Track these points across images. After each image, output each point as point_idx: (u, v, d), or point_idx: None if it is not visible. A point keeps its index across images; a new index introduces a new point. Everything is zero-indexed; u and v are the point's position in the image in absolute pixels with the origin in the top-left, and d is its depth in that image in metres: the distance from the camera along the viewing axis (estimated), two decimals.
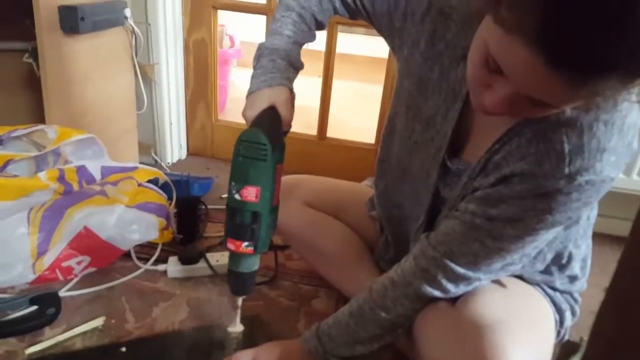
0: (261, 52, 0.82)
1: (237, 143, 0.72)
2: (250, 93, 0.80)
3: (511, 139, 0.67)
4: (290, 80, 0.82)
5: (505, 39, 0.52)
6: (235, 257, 0.79)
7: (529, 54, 0.50)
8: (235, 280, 0.82)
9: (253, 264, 0.81)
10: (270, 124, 0.76)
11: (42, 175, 1.16)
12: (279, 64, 0.80)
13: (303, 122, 1.84)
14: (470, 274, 0.73)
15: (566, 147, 0.61)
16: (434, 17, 0.73)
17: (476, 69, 0.59)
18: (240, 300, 0.89)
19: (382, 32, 0.84)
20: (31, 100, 1.36)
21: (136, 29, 1.50)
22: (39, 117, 1.29)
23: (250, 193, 0.73)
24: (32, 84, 1.32)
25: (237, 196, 0.73)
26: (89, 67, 1.37)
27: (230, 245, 0.76)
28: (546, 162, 0.63)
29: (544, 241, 0.73)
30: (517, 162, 0.66)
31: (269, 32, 0.85)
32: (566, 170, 0.61)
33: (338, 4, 0.86)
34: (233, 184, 0.73)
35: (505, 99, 0.58)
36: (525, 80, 0.53)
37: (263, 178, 0.73)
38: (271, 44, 0.82)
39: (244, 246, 0.76)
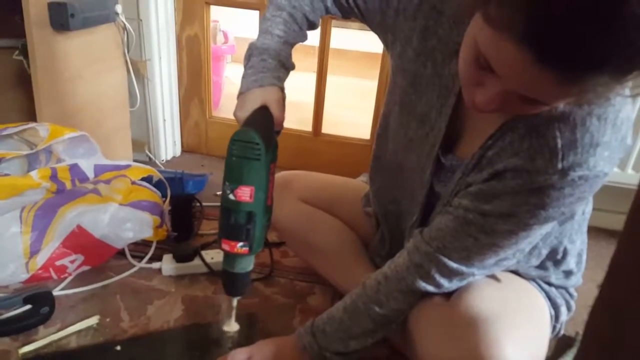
0: (251, 52, 0.81)
1: (230, 143, 0.71)
2: (241, 93, 0.79)
3: (504, 135, 0.67)
4: (281, 79, 0.81)
5: (494, 38, 0.52)
6: (229, 257, 0.79)
7: (518, 53, 0.49)
8: (230, 281, 0.81)
9: (248, 264, 0.80)
10: (263, 124, 0.75)
11: (34, 174, 1.15)
12: (270, 63, 0.79)
13: (298, 118, 1.83)
14: (463, 269, 0.73)
15: (559, 142, 0.61)
16: (425, 12, 0.73)
17: (467, 66, 0.59)
18: (235, 301, 0.89)
19: (375, 30, 0.83)
20: (22, 98, 1.35)
21: (128, 25, 1.49)
22: (30, 115, 1.28)
23: (245, 193, 0.72)
24: (23, 81, 1.31)
25: (231, 196, 0.72)
26: (80, 64, 1.36)
27: (225, 246, 0.75)
28: (539, 157, 0.62)
29: (538, 236, 0.73)
30: (510, 158, 0.66)
31: (260, 31, 0.84)
32: (559, 166, 0.61)
33: (330, 3, 0.85)
34: (227, 184, 0.73)
35: (496, 96, 0.57)
36: (515, 78, 0.53)
37: (257, 178, 0.73)
38: (261, 44, 0.81)
39: (239, 246, 0.75)
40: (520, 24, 0.48)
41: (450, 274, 0.73)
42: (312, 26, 0.88)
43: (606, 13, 0.44)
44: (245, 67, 0.81)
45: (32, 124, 1.22)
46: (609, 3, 0.44)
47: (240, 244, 0.75)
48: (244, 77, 0.80)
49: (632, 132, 0.63)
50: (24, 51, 1.25)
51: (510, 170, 0.66)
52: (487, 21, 0.52)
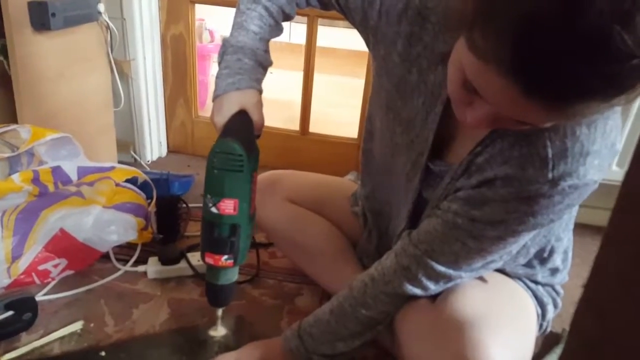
0: (225, 49, 0.78)
1: (210, 155, 0.69)
2: (217, 96, 0.76)
3: (494, 142, 0.66)
4: (259, 81, 0.79)
5: (480, 67, 0.51)
6: (213, 270, 0.77)
7: (505, 84, 0.49)
8: (215, 293, 0.80)
9: (232, 276, 0.79)
10: (244, 131, 0.73)
11: (15, 177, 1.13)
12: (247, 64, 0.77)
13: (285, 117, 1.82)
14: (451, 272, 0.72)
15: (549, 152, 0.61)
16: (410, 18, 0.71)
17: (455, 88, 0.59)
18: (220, 311, 0.87)
19: (356, 27, 0.81)
20: (2, 99, 1.32)
21: (111, 24, 1.47)
22: (11, 116, 1.25)
23: (228, 206, 0.70)
24: (3, 82, 1.28)
25: (213, 209, 0.70)
26: (62, 64, 1.33)
27: (209, 260, 0.73)
28: (529, 166, 0.62)
29: (526, 240, 0.73)
30: (500, 166, 0.65)
31: (233, 25, 0.80)
32: (549, 175, 0.61)
33: None
34: (209, 197, 0.70)
35: (486, 117, 0.57)
36: (503, 105, 0.53)
37: (240, 189, 0.71)
38: (236, 41, 0.78)
39: (224, 259, 0.73)
40: (506, 57, 0.47)
41: (438, 277, 0.73)
42: (288, 18, 0.85)
43: (592, 48, 0.44)
44: (219, 64, 0.78)
45: (13, 126, 1.20)
46: (594, 39, 0.44)
47: (225, 257, 0.73)
48: (219, 77, 0.77)
49: (620, 138, 0.63)
50: (4, 51, 1.22)
51: (501, 178, 0.65)
52: (471, 49, 0.51)
